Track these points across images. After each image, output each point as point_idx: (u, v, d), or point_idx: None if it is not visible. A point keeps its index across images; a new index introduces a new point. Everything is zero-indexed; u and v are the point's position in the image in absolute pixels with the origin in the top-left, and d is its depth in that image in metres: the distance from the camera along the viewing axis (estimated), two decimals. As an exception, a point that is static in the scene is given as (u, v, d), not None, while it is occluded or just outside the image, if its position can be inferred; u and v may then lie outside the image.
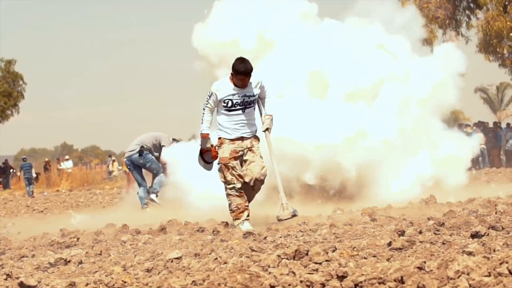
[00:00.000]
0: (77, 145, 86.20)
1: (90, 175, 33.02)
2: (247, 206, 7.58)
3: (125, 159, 11.54)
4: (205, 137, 7.61)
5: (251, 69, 7.47)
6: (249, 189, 7.60)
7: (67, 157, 36.92)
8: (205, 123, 7.56)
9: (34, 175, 27.83)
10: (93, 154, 73.52)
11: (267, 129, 7.73)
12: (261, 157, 7.62)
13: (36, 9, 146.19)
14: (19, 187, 30.11)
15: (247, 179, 7.51)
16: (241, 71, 7.42)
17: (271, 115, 7.78)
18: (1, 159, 34.19)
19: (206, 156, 7.78)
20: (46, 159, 36.02)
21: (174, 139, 11.76)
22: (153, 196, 11.38)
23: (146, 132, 11.88)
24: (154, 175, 11.52)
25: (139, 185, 11.52)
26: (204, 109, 7.56)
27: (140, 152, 11.27)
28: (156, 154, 11.54)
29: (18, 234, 8.16)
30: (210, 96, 7.53)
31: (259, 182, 7.55)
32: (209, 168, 7.90)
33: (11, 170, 33.56)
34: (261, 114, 7.81)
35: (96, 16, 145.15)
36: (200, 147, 7.78)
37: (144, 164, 11.35)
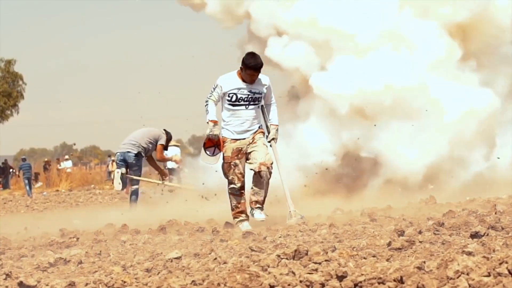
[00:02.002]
0: (76, 145, 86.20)
1: (89, 175, 33.01)
2: (247, 213, 7.58)
3: (118, 154, 11.41)
4: (215, 123, 7.42)
5: (261, 65, 7.41)
6: (259, 181, 7.43)
7: (66, 157, 36.90)
8: (211, 112, 7.43)
9: (34, 179, 27.82)
10: (92, 154, 73.46)
11: (273, 139, 7.70)
12: (264, 144, 7.51)
13: (36, 9, 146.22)
14: (19, 187, 30.10)
15: (253, 167, 7.42)
16: (251, 65, 7.35)
17: (277, 125, 7.75)
18: (1, 159, 34.16)
19: (209, 150, 7.60)
20: (46, 159, 36.00)
21: (164, 130, 11.65)
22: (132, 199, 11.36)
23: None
24: (131, 181, 11.46)
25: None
26: (207, 101, 7.46)
27: (137, 154, 11.18)
28: (152, 151, 11.45)
29: (18, 234, 8.15)
30: (214, 88, 7.46)
31: (264, 166, 7.36)
32: (214, 161, 7.67)
33: (11, 170, 33.53)
34: (265, 121, 7.76)
35: (96, 15, 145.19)
36: (204, 139, 7.58)
37: (132, 167, 11.26)
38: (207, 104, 7.46)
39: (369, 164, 11.20)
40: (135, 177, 11.23)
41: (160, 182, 11.94)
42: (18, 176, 31.53)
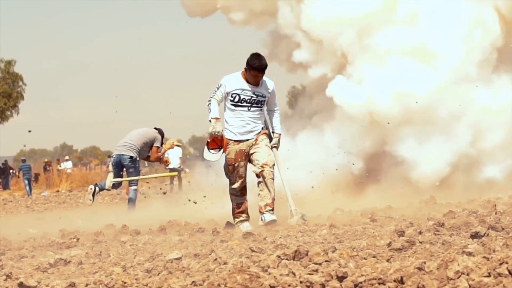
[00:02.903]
0: (76, 146, 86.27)
1: (89, 176, 33.00)
2: (247, 206, 7.59)
3: (114, 155, 11.39)
4: (217, 119, 7.33)
5: (265, 66, 7.37)
6: (263, 183, 7.33)
7: (67, 157, 36.88)
8: (214, 110, 7.36)
9: (34, 180, 27.85)
10: (92, 155, 73.51)
11: (275, 147, 7.67)
12: (266, 146, 7.45)
13: (36, 10, 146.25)
14: (19, 187, 30.11)
15: (255, 169, 7.37)
16: (255, 66, 7.31)
17: (280, 134, 7.72)
18: (1, 159, 34.16)
19: (214, 151, 7.46)
20: (46, 160, 35.96)
21: (156, 128, 11.64)
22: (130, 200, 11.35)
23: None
24: (129, 183, 11.46)
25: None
26: (210, 100, 7.40)
27: (132, 157, 11.18)
28: (147, 152, 11.45)
29: (18, 235, 8.15)
30: (218, 88, 7.41)
31: (267, 166, 7.30)
32: (216, 158, 7.55)
33: (11, 171, 33.52)
34: (267, 128, 7.71)
35: (96, 16, 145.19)
36: (208, 138, 7.48)
37: (128, 169, 11.27)
38: (209, 103, 7.41)
39: (390, 165, 11.27)
40: (119, 180, 11.26)
41: (142, 177, 11.95)
42: (18, 177, 31.53)
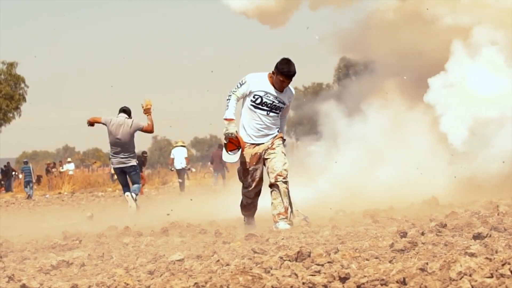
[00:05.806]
0: (78, 148, 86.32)
1: (92, 178, 33.04)
2: (256, 208, 7.62)
3: (115, 168, 11.50)
4: (229, 121, 7.15)
5: (293, 73, 7.21)
6: (276, 192, 7.22)
7: (69, 159, 36.90)
8: (230, 109, 7.17)
9: (36, 182, 27.89)
10: (95, 157, 73.53)
11: None
12: (282, 152, 7.31)
13: (38, 11, 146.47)
14: (21, 189, 30.16)
15: (271, 177, 7.24)
16: (284, 71, 7.15)
17: (285, 140, 7.61)
18: (3, 161, 34.19)
19: (233, 152, 7.28)
20: (48, 162, 35.97)
21: (124, 109, 11.58)
22: (133, 195, 11.36)
23: (121, 124, 11.34)
24: (133, 183, 11.53)
25: (124, 186, 11.58)
26: (230, 95, 7.20)
27: (133, 166, 11.28)
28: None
29: (20, 236, 8.16)
30: (242, 84, 7.21)
31: (281, 177, 7.17)
32: (235, 159, 7.36)
33: (13, 173, 33.56)
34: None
35: (97, 17, 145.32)
36: (225, 139, 7.29)
37: (130, 172, 11.37)
38: (229, 99, 7.20)
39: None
40: None
41: None
42: (20, 182, 31.56)
